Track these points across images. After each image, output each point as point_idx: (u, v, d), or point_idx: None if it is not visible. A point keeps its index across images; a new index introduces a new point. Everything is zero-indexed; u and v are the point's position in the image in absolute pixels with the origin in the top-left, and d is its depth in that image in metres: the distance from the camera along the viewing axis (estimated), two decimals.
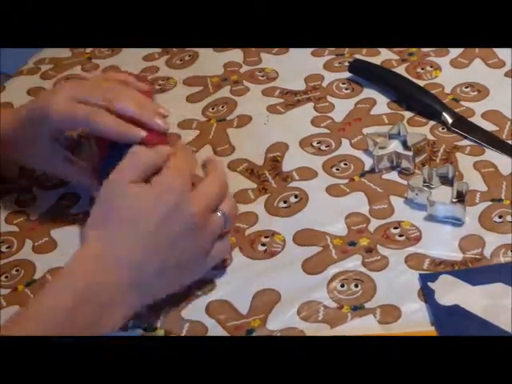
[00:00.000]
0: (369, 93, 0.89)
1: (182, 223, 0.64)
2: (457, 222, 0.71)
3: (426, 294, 0.65)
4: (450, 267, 0.67)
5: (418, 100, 0.86)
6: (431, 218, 0.72)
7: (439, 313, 0.63)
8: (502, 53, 0.92)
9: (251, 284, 0.69)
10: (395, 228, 0.72)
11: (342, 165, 0.80)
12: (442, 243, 0.69)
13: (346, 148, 0.82)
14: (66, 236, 0.76)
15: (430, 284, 0.65)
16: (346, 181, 0.78)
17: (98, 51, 1.05)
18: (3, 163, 0.79)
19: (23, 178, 0.84)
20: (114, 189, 0.65)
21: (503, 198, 0.73)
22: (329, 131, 0.85)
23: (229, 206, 0.68)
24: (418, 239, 0.70)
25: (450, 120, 0.82)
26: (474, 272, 0.66)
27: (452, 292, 0.65)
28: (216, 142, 0.85)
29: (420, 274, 0.67)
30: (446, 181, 0.75)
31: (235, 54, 0.98)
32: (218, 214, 0.67)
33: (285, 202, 0.76)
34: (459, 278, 0.66)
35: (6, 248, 0.76)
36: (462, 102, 0.86)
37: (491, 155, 0.78)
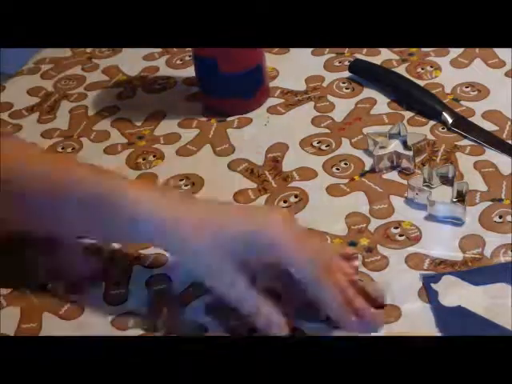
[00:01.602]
0: (369, 92, 0.89)
1: None
2: (457, 222, 0.71)
3: (430, 296, 0.64)
4: (450, 267, 0.67)
5: (418, 100, 0.86)
6: (431, 217, 0.72)
7: (443, 314, 0.63)
8: (502, 53, 0.92)
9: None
10: (395, 228, 0.72)
11: (342, 164, 0.80)
12: (442, 243, 0.69)
13: (346, 148, 0.82)
14: None
15: (433, 285, 0.65)
16: (346, 180, 0.78)
17: (98, 51, 1.05)
18: None
19: None
20: None
21: (503, 197, 0.73)
22: (329, 131, 0.85)
23: None
24: (418, 239, 0.70)
25: (450, 120, 0.82)
26: (477, 272, 0.66)
27: (455, 293, 0.64)
28: (216, 142, 0.85)
29: (423, 275, 0.66)
30: (446, 181, 0.75)
31: None
32: None
33: (285, 202, 0.76)
34: (462, 278, 0.66)
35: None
36: (462, 102, 0.86)
37: (491, 155, 0.78)
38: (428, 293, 0.65)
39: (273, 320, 0.60)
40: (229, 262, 0.60)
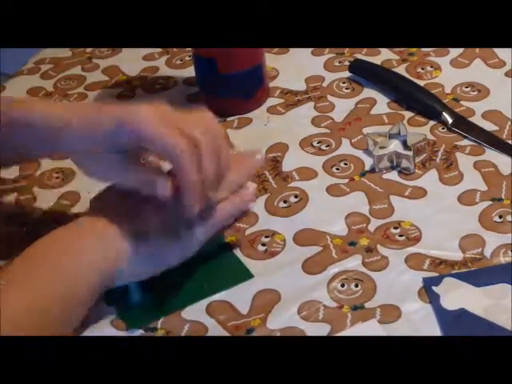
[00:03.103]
0: (369, 92, 0.89)
1: None
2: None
3: (431, 299, 0.64)
4: (450, 267, 0.67)
5: (418, 100, 0.86)
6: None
7: (445, 318, 0.63)
8: (502, 53, 0.92)
9: (251, 284, 0.69)
10: (395, 228, 0.72)
11: (342, 164, 0.80)
12: (442, 243, 0.69)
13: (346, 148, 0.82)
14: None
15: (434, 288, 0.65)
16: (346, 180, 0.78)
17: (98, 51, 1.05)
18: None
19: (23, 178, 0.84)
20: None
21: (503, 197, 0.73)
22: (329, 131, 0.85)
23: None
24: (418, 239, 0.70)
25: (450, 120, 0.82)
26: (477, 273, 0.66)
27: (457, 295, 0.64)
28: None
29: (424, 278, 0.66)
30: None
31: None
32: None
33: (285, 202, 0.76)
34: (463, 280, 0.66)
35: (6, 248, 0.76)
36: (462, 102, 0.86)
37: (491, 155, 0.78)
38: (429, 295, 0.65)
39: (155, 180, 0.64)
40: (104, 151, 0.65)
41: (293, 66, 0.96)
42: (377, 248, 0.70)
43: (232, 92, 0.88)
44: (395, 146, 0.78)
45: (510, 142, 0.79)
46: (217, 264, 0.71)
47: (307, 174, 0.79)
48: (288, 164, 0.81)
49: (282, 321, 0.65)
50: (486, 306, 0.63)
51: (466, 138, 0.81)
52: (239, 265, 0.70)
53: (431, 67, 0.92)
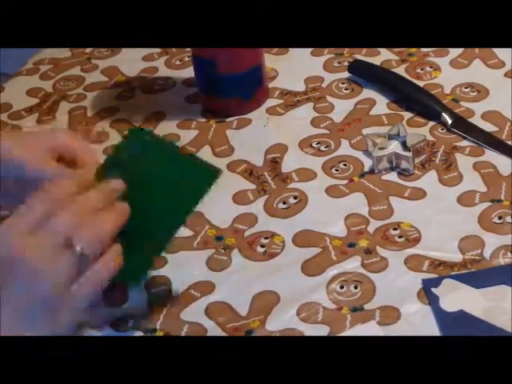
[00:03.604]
0: (368, 93, 0.89)
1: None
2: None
3: (431, 301, 0.64)
4: (449, 268, 0.67)
5: (417, 100, 0.86)
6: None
7: (445, 319, 0.63)
8: (502, 53, 0.91)
9: (250, 285, 0.69)
10: (394, 229, 0.72)
11: (341, 165, 0.80)
12: (441, 244, 0.69)
13: (345, 149, 0.82)
14: None
15: (433, 290, 0.65)
16: (346, 181, 0.78)
17: (97, 51, 1.05)
18: None
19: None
20: None
21: (503, 198, 0.73)
22: (328, 132, 0.84)
23: (88, 235, 0.56)
24: (417, 240, 0.70)
25: (449, 120, 0.82)
26: (476, 275, 0.66)
27: (456, 296, 0.64)
28: (215, 143, 0.85)
29: (423, 280, 0.66)
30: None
31: None
32: (76, 248, 0.55)
33: (284, 203, 0.76)
34: (462, 281, 0.65)
35: None
36: (462, 103, 0.86)
37: (491, 156, 0.78)
38: (428, 297, 0.65)
39: None
40: None
41: (292, 67, 0.96)
42: (376, 249, 0.70)
43: (231, 93, 0.88)
44: (394, 146, 0.78)
45: (509, 142, 0.79)
46: (179, 177, 0.63)
47: (306, 174, 0.79)
48: (287, 165, 0.81)
49: (281, 322, 0.65)
50: (485, 307, 0.63)
51: (465, 138, 0.81)
52: (202, 166, 0.63)
53: (431, 68, 0.92)
